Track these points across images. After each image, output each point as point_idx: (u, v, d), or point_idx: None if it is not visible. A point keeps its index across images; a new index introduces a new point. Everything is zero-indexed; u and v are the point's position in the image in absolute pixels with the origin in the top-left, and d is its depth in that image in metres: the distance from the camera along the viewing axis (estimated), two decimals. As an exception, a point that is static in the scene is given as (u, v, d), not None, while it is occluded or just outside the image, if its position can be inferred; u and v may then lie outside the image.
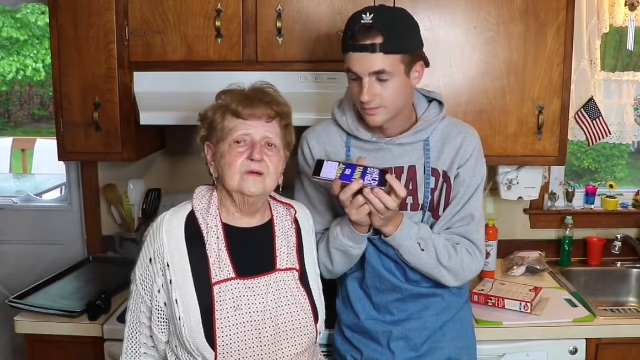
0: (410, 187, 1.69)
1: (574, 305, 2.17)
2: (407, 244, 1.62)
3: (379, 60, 1.54)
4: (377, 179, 1.49)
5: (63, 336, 2.05)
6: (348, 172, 1.51)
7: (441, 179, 1.70)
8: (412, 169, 1.69)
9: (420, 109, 1.73)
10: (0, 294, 2.79)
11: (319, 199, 1.76)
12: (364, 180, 1.49)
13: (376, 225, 1.58)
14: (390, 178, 1.49)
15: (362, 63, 1.55)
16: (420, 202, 1.69)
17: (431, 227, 1.70)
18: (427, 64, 1.67)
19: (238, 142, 1.46)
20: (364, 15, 1.54)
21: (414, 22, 1.62)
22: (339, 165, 1.52)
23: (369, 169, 1.51)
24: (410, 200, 1.69)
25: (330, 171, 1.52)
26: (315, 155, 1.75)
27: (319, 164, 1.53)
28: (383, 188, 1.49)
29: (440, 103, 1.74)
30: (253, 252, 1.53)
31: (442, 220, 1.70)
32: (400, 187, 1.49)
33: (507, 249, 2.63)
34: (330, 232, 1.67)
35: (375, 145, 1.70)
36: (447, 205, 1.70)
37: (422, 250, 1.63)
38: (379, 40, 1.53)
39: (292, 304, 1.50)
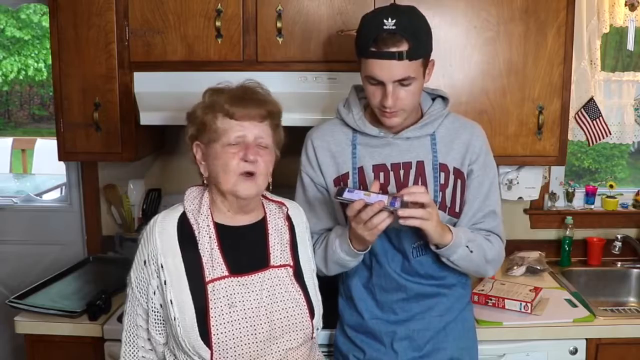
0: (420, 183, 1.69)
1: (574, 305, 2.17)
2: (460, 250, 1.63)
3: (404, 67, 1.54)
4: (397, 204, 1.48)
5: (63, 336, 2.05)
6: (368, 197, 1.49)
7: (452, 176, 1.70)
8: (420, 164, 1.69)
9: (425, 104, 1.74)
10: (0, 294, 2.79)
11: (318, 200, 1.76)
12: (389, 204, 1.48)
13: (434, 238, 1.58)
14: (408, 194, 1.48)
15: (387, 70, 1.54)
16: (431, 197, 1.69)
17: (454, 226, 1.71)
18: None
19: (231, 144, 1.46)
20: (385, 21, 1.53)
21: (428, 24, 1.62)
22: (359, 192, 1.52)
23: (390, 197, 1.49)
24: None
25: (352, 195, 1.50)
26: (319, 155, 1.74)
27: (341, 189, 1.53)
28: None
29: (444, 99, 1.76)
30: (246, 250, 1.53)
31: (464, 217, 1.72)
32: (420, 193, 1.50)
33: (507, 249, 2.59)
34: (329, 244, 1.68)
35: (382, 141, 1.71)
36: (462, 202, 1.72)
37: (471, 252, 1.64)
38: (404, 48, 1.53)
39: (287, 299, 1.51)
